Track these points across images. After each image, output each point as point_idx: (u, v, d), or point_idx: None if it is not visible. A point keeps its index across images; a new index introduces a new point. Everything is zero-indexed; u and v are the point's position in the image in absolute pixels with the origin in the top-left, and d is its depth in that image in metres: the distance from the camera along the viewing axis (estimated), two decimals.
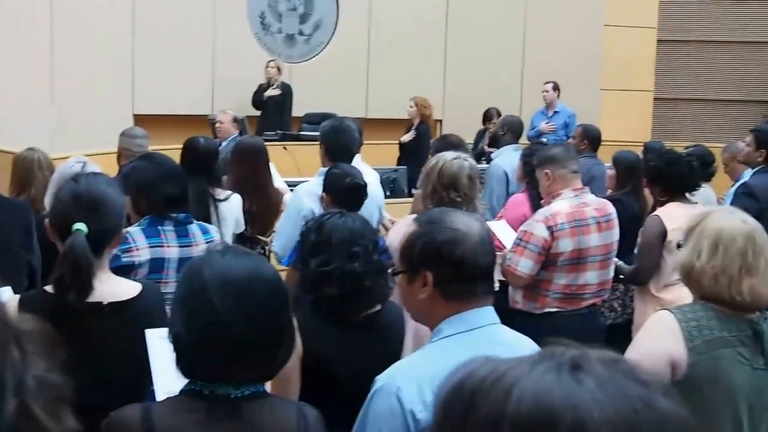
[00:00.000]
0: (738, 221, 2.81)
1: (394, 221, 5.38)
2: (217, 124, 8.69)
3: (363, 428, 2.26)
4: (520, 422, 0.86)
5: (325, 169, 4.92)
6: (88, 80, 10.79)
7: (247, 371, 2.07)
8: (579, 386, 0.87)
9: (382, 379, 2.26)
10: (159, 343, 2.52)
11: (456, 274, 2.29)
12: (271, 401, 2.14)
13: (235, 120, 8.67)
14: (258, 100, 11.65)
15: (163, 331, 2.37)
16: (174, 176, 3.95)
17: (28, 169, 5.10)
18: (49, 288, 2.73)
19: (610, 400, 0.86)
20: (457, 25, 13.35)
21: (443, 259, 2.29)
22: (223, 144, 7.72)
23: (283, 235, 4.92)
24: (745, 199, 5.63)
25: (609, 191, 6.11)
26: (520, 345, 2.34)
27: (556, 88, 11.22)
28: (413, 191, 8.11)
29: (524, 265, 4.56)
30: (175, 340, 2.06)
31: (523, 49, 13.68)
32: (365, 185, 4.50)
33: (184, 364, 2.07)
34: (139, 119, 10.81)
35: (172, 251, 3.78)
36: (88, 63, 10.80)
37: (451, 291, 2.30)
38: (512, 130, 7.59)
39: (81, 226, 2.65)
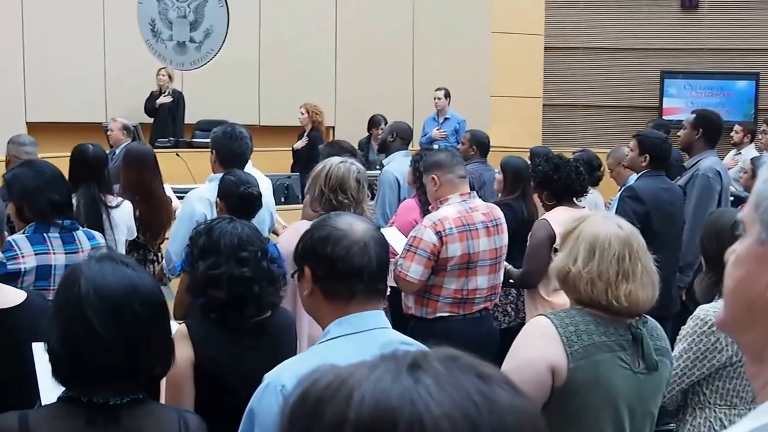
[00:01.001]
0: (614, 226, 2.82)
1: (286, 226, 5.38)
2: (108, 132, 8.60)
3: (250, 424, 2.28)
4: (362, 425, 0.87)
5: (216, 175, 4.89)
6: None
7: (124, 382, 2.06)
8: (416, 384, 0.88)
9: (268, 377, 2.29)
10: (44, 356, 2.48)
11: (330, 271, 2.34)
12: (151, 407, 2.13)
13: (125, 128, 8.56)
14: (150, 107, 11.53)
15: None
16: (56, 182, 3.88)
17: None
18: None
19: (447, 394, 0.87)
20: (346, 32, 13.37)
21: (318, 255, 2.34)
22: (116, 152, 7.64)
23: (177, 241, 4.87)
24: (630, 202, 5.74)
25: (500, 195, 6.21)
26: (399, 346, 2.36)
27: (447, 95, 11.35)
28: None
29: (414, 271, 4.59)
30: (50, 351, 2.04)
31: (412, 56, 13.79)
32: (260, 195, 4.49)
33: (60, 375, 2.05)
34: (32, 127, 10.57)
35: (58, 258, 3.72)
36: None
37: (328, 289, 2.35)
38: (401, 136, 7.63)
39: None
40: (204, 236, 3.15)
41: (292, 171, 9.99)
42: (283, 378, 2.24)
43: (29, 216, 3.78)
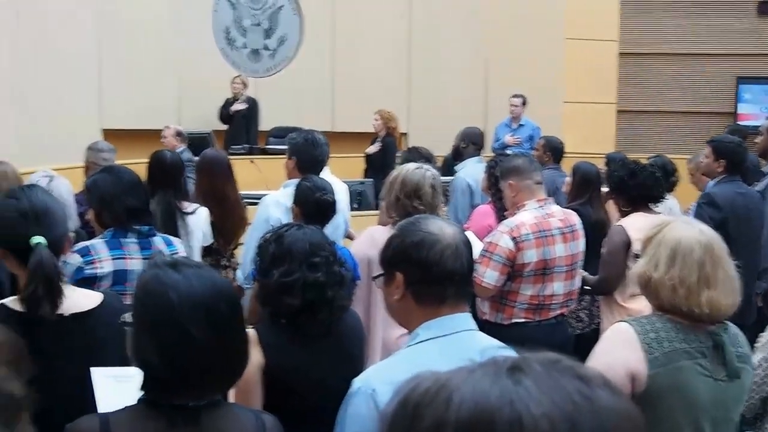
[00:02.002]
0: (696, 232, 2.77)
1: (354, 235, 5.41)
2: (161, 139, 8.76)
3: (341, 428, 2.29)
4: (461, 427, 0.87)
5: (292, 181, 4.93)
6: (56, 95, 10.69)
7: (209, 386, 2.07)
8: (516, 385, 0.89)
9: (358, 382, 2.29)
10: (104, 382, 2.51)
11: (424, 275, 2.34)
12: (229, 408, 2.15)
13: (179, 134, 8.72)
14: (225, 114, 11.67)
15: (109, 371, 2.37)
16: (135, 188, 3.91)
17: None
18: (8, 302, 2.68)
19: (547, 395, 0.87)
20: (420, 38, 13.38)
21: (411, 260, 2.34)
22: None
23: (253, 247, 4.89)
24: (707, 208, 5.66)
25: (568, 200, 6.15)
26: (495, 351, 2.34)
27: (524, 102, 11.26)
28: (380, 203, 8.14)
29: (490, 276, 4.55)
30: (146, 366, 2.03)
31: (486, 62, 13.73)
32: (335, 201, 4.51)
33: (152, 388, 2.05)
34: (107, 134, 10.75)
35: (135, 263, 3.74)
36: (56, 78, 10.69)
37: (421, 293, 2.34)
38: (473, 142, 7.58)
39: (40, 240, 2.63)
40: (274, 244, 3.14)
41: (364, 176, 10.00)
42: (372, 382, 2.25)
43: (107, 221, 3.81)
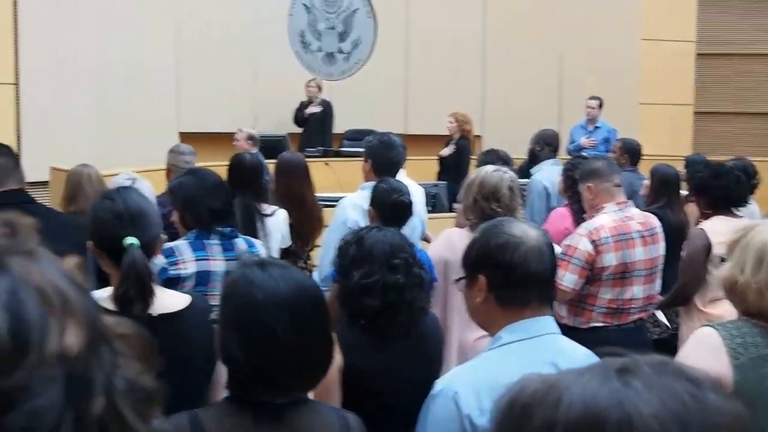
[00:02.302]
0: None
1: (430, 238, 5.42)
2: (234, 142, 8.86)
3: (422, 429, 2.29)
4: (571, 426, 0.88)
5: (369, 183, 4.96)
6: (135, 98, 10.91)
7: (293, 384, 2.10)
8: (626, 387, 0.89)
9: (440, 384, 2.30)
10: None
11: (507, 278, 2.34)
12: (313, 407, 2.17)
13: (251, 137, 8.79)
14: (299, 117, 11.74)
15: None
16: (218, 190, 3.97)
17: (77, 183, 5.23)
18: (99, 299, 2.74)
19: (657, 396, 0.87)
20: (495, 41, 13.35)
21: (495, 262, 2.35)
22: None
23: (330, 249, 4.93)
24: None
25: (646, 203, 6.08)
26: (578, 355, 2.34)
27: (601, 105, 11.15)
28: (454, 206, 8.13)
29: (568, 280, 4.52)
30: (232, 363, 2.07)
31: (561, 63, 13.63)
32: (411, 203, 4.52)
33: (238, 381, 2.09)
34: (184, 137, 10.92)
35: (218, 264, 3.80)
36: (135, 81, 10.91)
37: (504, 296, 2.35)
38: (549, 144, 7.54)
39: (133, 240, 2.69)
40: (354, 246, 3.17)
41: (438, 179, 9.99)
42: (455, 385, 2.25)
43: (191, 223, 3.87)
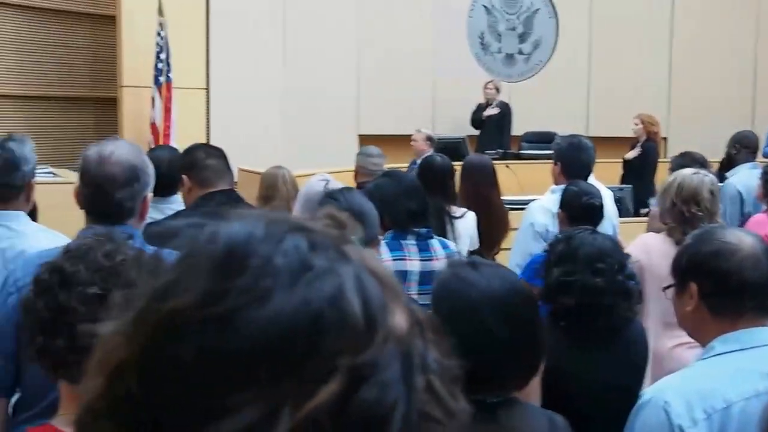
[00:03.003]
0: None
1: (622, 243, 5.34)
2: (411, 143, 8.99)
3: None
4: None
5: (559, 186, 4.96)
6: (317, 101, 11.19)
7: (506, 383, 2.13)
8: None
9: (650, 392, 2.28)
10: None
11: (720, 286, 2.30)
12: (523, 407, 2.18)
13: (429, 138, 8.89)
14: (477, 119, 11.76)
15: None
16: (414, 192, 4.08)
17: (273, 184, 5.46)
18: None
19: None
20: (683, 39, 13.02)
21: (707, 270, 2.31)
22: (417, 161, 7.94)
23: (518, 252, 4.98)
24: None
25: None
26: None
27: None
28: (642, 210, 8.00)
29: None
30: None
31: (755, 61, 13.16)
32: (602, 205, 4.50)
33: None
34: (362, 139, 11.16)
35: (414, 264, 3.90)
36: (317, 87, 11.18)
37: (717, 305, 2.30)
38: (746, 146, 7.30)
39: (356, 239, 2.80)
40: (563, 243, 3.19)
41: (622, 182, 9.84)
42: (666, 394, 2.22)
43: (388, 224, 3.97)
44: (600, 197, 4.55)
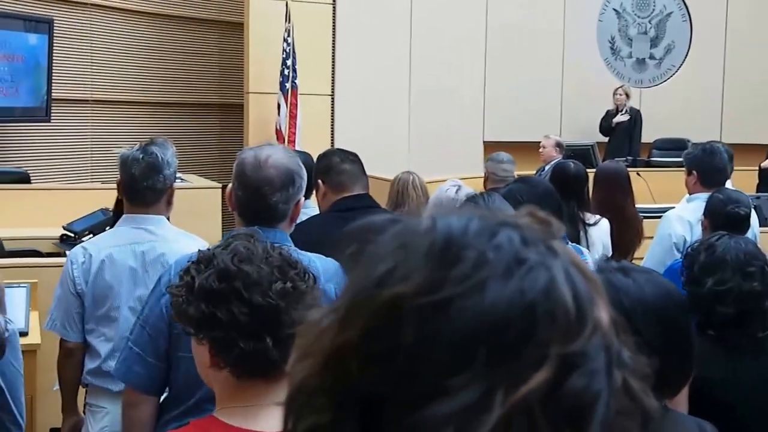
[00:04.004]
0: None
1: None
2: (540, 149, 8.95)
3: None
4: None
5: (695, 195, 4.91)
6: (443, 110, 11.25)
7: (658, 391, 2.12)
8: None
9: None
10: None
11: None
12: (673, 415, 2.17)
13: (558, 145, 8.83)
14: (606, 126, 11.67)
15: None
16: (549, 198, 4.09)
17: (403, 189, 5.53)
18: None
19: None
20: None
21: None
22: (545, 168, 7.90)
23: (652, 262, 4.92)
24: None
25: None
26: None
27: None
28: None
29: None
30: None
31: None
32: (748, 215, 4.43)
33: None
34: (487, 146, 11.17)
35: None
36: (443, 94, 11.24)
37: None
38: None
39: None
40: (704, 253, 3.16)
41: (757, 191, 9.62)
42: None
43: None
44: (748, 206, 4.48)
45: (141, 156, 3.50)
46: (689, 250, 3.29)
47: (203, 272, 1.96)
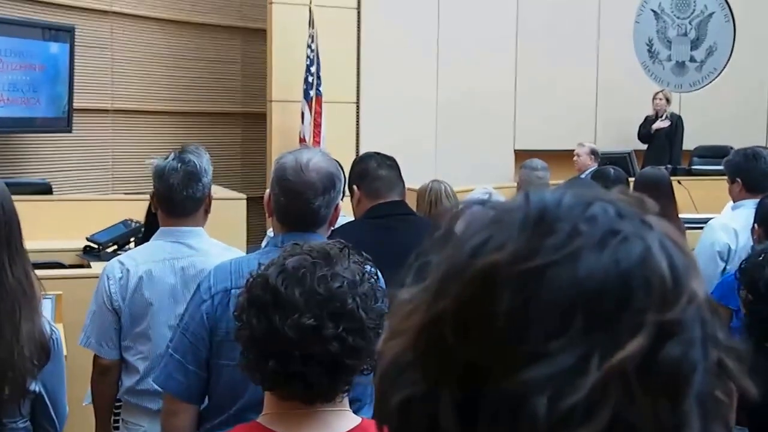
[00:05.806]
0: None
1: None
2: (574, 157, 8.98)
3: None
4: None
5: (740, 203, 4.95)
6: (472, 118, 11.27)
7: None
8: None
9: None
10: None
11: None
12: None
13: (593, 152, 8.86)
14: (645, 133, 11.58)
15: None
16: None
17: (437, 198, 5.60)
18: None
19: None
20: None
21: None
22: (581, 177, 7.94)
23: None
24: None
25: None
26: None
27: None
28: None
29: None
30: None
31: None
32: None
33: None
34: (518, 154, 11.19)
35: None
36: (472, 103, 11.26)
37: None
38: None
39: None
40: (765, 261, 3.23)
41: None
42: None
43: None
44: None
45: (178, 165, 3.50)
46: (744, 263, 3.33)
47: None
